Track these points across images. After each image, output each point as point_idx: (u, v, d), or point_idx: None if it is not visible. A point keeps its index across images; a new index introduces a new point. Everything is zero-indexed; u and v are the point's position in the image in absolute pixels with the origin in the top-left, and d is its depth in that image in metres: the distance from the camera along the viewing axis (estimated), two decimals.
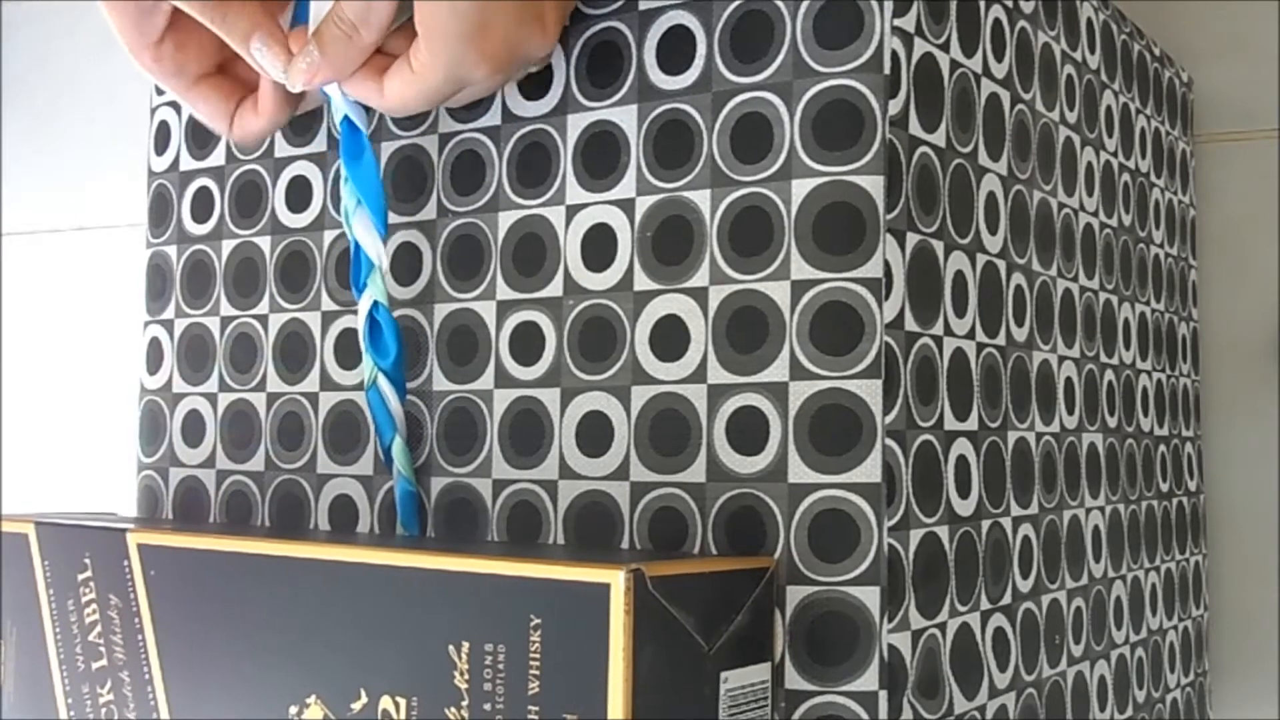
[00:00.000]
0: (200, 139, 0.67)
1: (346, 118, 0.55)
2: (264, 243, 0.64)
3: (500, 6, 0.49)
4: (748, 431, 0.49)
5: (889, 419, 0.48)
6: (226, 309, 0.65)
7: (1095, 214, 0.70)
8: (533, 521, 0.54)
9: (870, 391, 0.47)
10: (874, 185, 0.48)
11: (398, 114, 0.55)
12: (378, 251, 0.55)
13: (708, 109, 0.52)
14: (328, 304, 0.61)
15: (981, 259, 0.56)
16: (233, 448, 0.64)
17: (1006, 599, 0.57)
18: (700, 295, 0.51)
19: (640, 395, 0.52)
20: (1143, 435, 0.76)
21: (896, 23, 0.49)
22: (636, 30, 0.54)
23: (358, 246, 0.56)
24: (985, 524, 0.55)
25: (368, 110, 0.56)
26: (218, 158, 0.66)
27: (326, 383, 0.61)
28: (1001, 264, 0.58)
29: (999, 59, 0.58)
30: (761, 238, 0.50)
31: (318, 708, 0.47)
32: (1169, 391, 0.82)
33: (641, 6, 0.54)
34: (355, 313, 0.60)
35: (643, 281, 0.52)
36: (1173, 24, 0.96)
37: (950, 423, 0.53)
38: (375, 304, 0.56)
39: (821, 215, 0.49)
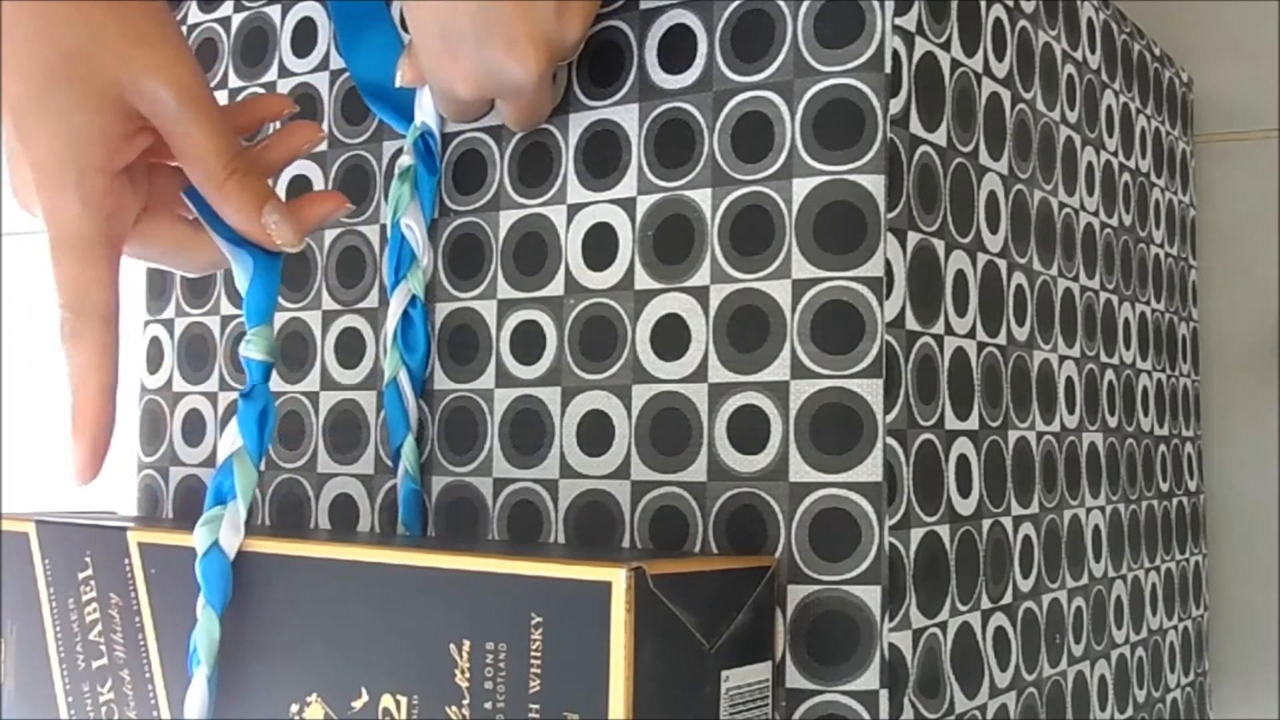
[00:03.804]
0: None
1: (426, 129, 0.57)
2: None
3: (464, 31, 0.48)
4: (748, 430, 0.49)
5: (890, 418, 0.48)
6: (227, 308, 0.65)
7: (1095, 214, 0.70)
8: (533, 520, 0.54)
9: (871, 390, 0.47)
10: (875, 184, 0.48)
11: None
12: (426, 244, 0.57)
13: (708, 108, 0.52)
14: (328, 303, 0.61)
15: (982, 258, 0.56)
16: None
17: (1007, 598, 0.57)
18: (701, 294, 0.51)
19: (641, 394, 0.52)
20: (1143, 435, 0.76)
21: (897, 22, 0.49)
22: (637, 29, 0.54)
23: (401, 239, 0.57)
24: (986, 523, 0.55)
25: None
26: None
27: (327, 382, 0.61)
28: (1002, 263, 0.58)
29: (1000, 58, 0.58)
30: (762, 237, 0.50)
31: (318, 706, 0.47)
32: (1169, 391, 0.82)
33: (642, 6, 0.54)
34: (356, 312, 0.60)
35: (643, 280, 0.52)
36: (1173, 24, 0.96)
37: (951, 422, 0.53)
38: (413, 298, 0.57)
39: (822, 214, 0.49)
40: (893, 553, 0.48)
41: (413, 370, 0.57)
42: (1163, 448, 0.80)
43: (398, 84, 0.55)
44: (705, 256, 0.51)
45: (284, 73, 0.64)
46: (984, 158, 0.57)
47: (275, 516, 0.62)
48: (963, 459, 0.54)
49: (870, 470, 0.47)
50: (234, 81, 0.66)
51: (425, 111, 0.57)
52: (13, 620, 0.58)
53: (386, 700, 0.45)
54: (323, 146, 0.62)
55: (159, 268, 0.64)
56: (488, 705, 0.43)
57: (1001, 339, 0.58)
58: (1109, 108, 0.72)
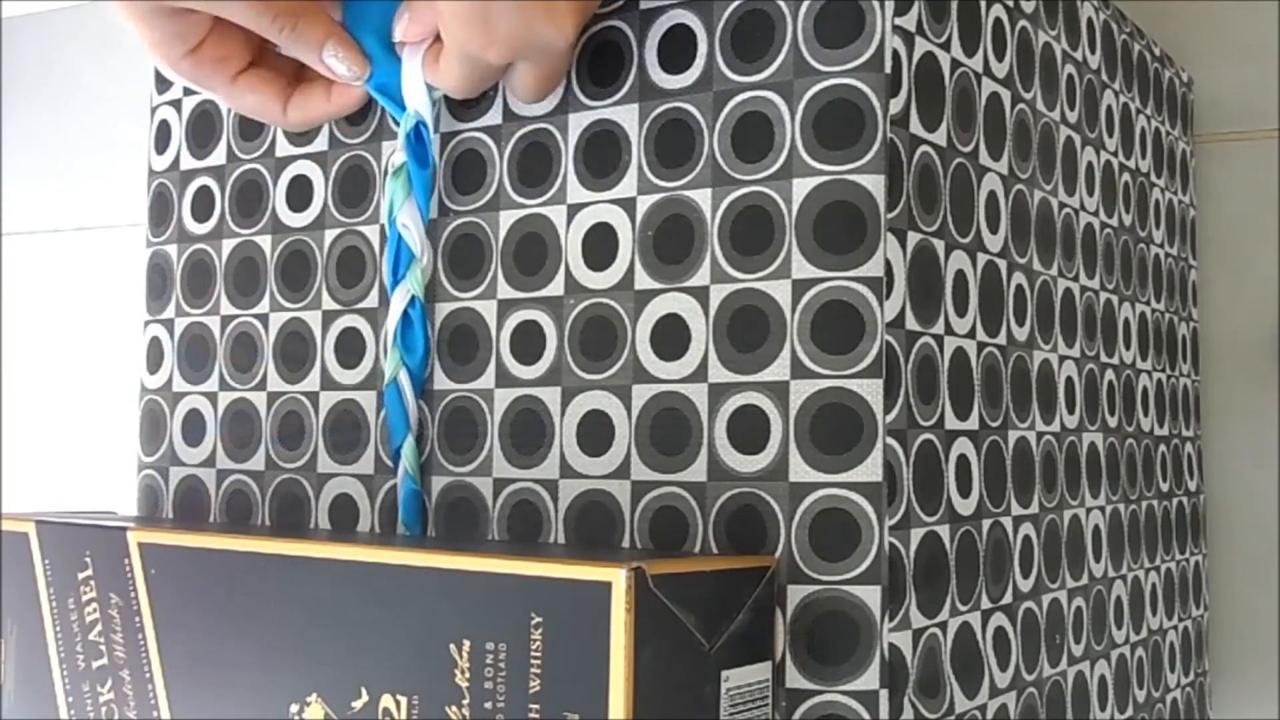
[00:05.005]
0: (201, 138, 0.67)
1: (419, 120, 0.56)
2: (264, 242, 0.64)
3: None
4: (748, 430, 0.49)
5: (890, 418, 0.48)
6: (227, 308, 0.65)
7: (1095, 214, 0.70)
8: (533, 521, 0.54)
9: (871, 390, 0.47)
10: (875, 184, 0.48)
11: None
12: (424, 243, 0.56)
13: (709, 108, 0.52)
14: (328, 303, 0.61)
15: (982, 258, 0.56)
16: (233, 447, 0.64)
17: (1007, 598, 0.57)
18: (701, 294, 0.51)
19: (641, 394, 0.52)
20: (1143, 435, 0.76)
21: (897, 22, 0.49)
22: (637, 29, 0.54)
23: (399, 239, 0.56)
24: (986, 523, 0.55)
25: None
26: (218, 157, 0.66)
27: (327, 382, 0.61)
28: (1002, 263, 0.58)
29: (1000, 58, 0.58)
30: (762, 237, 0.50)
31: (318, 706, 0.47)
32: (1169, 391, 0.82)
33: (642, 6, 0.54)
34: (356, 312, 0.60)
35: (644, 280, 0.52)
36: (1173, 24, 0.96)
37: (951, 422, 0.53)
38: (413, 299, 0.56)
39: (822, 214, 0.49)
40: (893, 553, 0.48)
41: (412, 370, 0.57)
42: (1163, 448, 0.80)
43: (396, 38, 0.54)
44: (705, 256, 0.51)
45: None
46: (984, 158, 0.57)
47: (275, 516, 0.62)
48: (963, 459, 0.54)
49: (870, 470, 0.47)
50: None
51: (415, 99, 0.56)
52: (13, 620, 0.58)
53: (386, 700, 0.45)
54: (323, 146, 0.62)
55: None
56: (488, 705, 0.43)
57: (1001, 339, 0.58)
58: (1109, 108, 0.72)
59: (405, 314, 0.57)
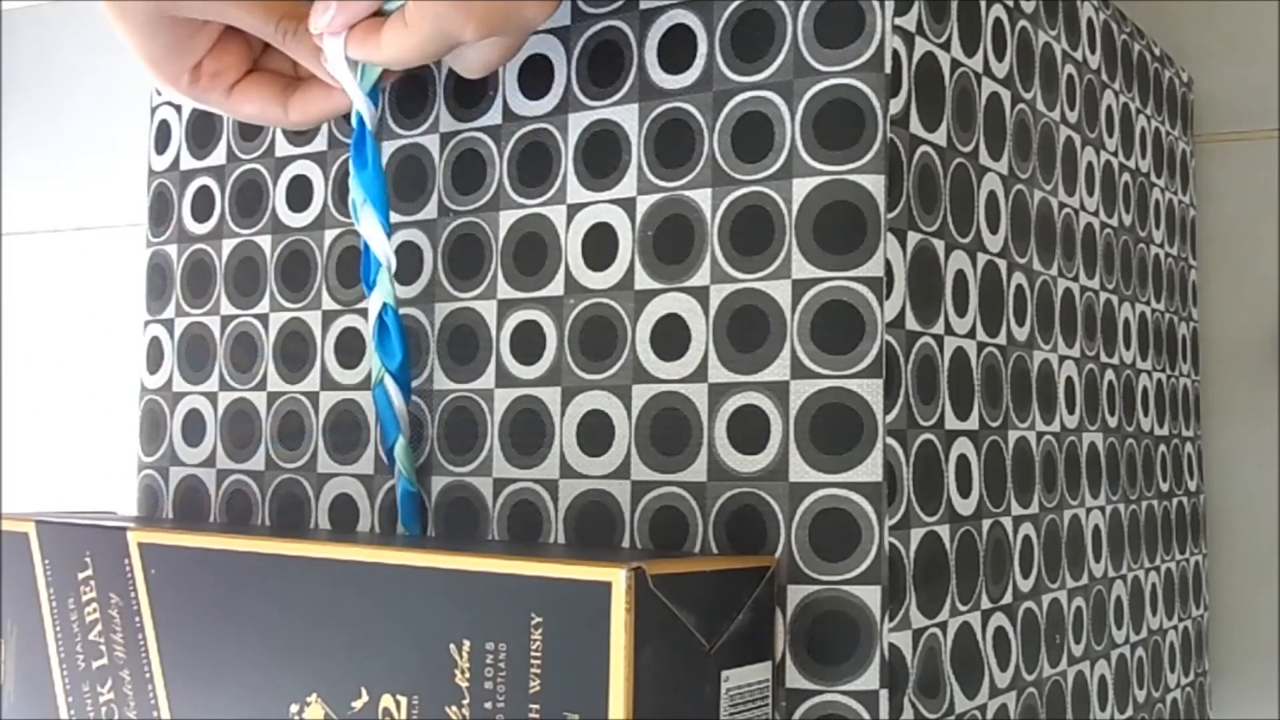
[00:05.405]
0: (201, 138, 0.67)
1: (358, 115, 0.54)
2: (264, 242, 0.64)
3: None
4: (748, 430, 0.49)
5: (890, 418, 0.48)
6: (227, 308, 0.65)
7: (1095, 214, 0.70)
8: (533, 521, 0.54)
9: (871, 391, 0.47)
10: (875, 184, 0.48)
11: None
12: (385, 250, 0.55)
13: (708, 108, 0.52)
14: (328, 303, 0.61)
15: (982, 258, 0.56)
16: (233, 447, 0.64)
17: (1007, 598, 0.57)
18: (701, 294, 0.51)
19: (641, 394, 0.52)
20: (1143, 435, 0.76)
21: (897, 22, 0.49)
22: (637, 29, 0.54)
23: (367, 245, 0.55)
24: (986, 523, 0.55)
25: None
26: (218, 157, 0.66)
27: (327, 382, 0.61)
28: (1002, 263, 0.58)
29: (1000, 58, 0.58)
30: (762, 237, 0.50)
31: (318, 706, 0.47)
32: (1169, 391, 0.82)
33: (642, 6, 0.54)
34: (356, 312, 0.60)
35: (644, 280, 0.52)
36: (1173, 24, 0.96)
37: (951, 422, 0.53)
38: (384, 305, 0.55)
39: (822, 214, 0.49)
40: (893, 553, 0.48)
41: (394, 374, 0.55)
42: (1163, 448, 0.80)
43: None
44: (705, 256, 0.51)
45: None
46: (984, 158, 0.57)
47: (275, 516, 0.62)
48: (963, 459, 0.54)
49: (870, 470, 0.47)
50: None
51: (352, 96, 0.53)
52: (13, 620, 0.58)
53: (386, 700, 0.45)
54: (322, 146, 0.62)
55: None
56: (488, 705, 0.43)
57: (1001, 339, 0.58)
58: (1109, 108, 0.72)
59: (381, 319, 0.55)
